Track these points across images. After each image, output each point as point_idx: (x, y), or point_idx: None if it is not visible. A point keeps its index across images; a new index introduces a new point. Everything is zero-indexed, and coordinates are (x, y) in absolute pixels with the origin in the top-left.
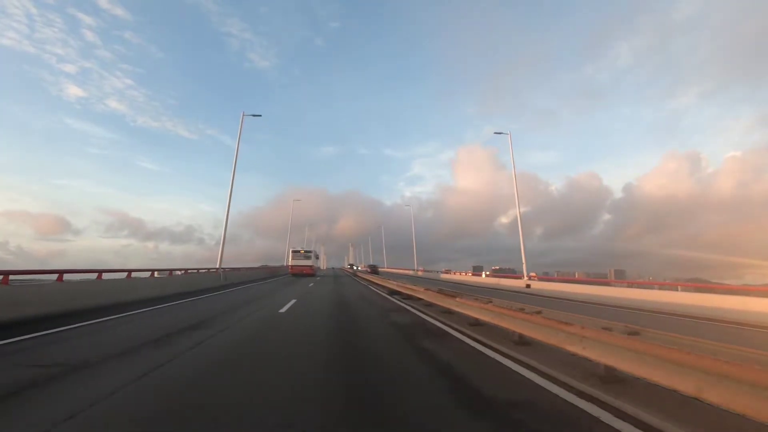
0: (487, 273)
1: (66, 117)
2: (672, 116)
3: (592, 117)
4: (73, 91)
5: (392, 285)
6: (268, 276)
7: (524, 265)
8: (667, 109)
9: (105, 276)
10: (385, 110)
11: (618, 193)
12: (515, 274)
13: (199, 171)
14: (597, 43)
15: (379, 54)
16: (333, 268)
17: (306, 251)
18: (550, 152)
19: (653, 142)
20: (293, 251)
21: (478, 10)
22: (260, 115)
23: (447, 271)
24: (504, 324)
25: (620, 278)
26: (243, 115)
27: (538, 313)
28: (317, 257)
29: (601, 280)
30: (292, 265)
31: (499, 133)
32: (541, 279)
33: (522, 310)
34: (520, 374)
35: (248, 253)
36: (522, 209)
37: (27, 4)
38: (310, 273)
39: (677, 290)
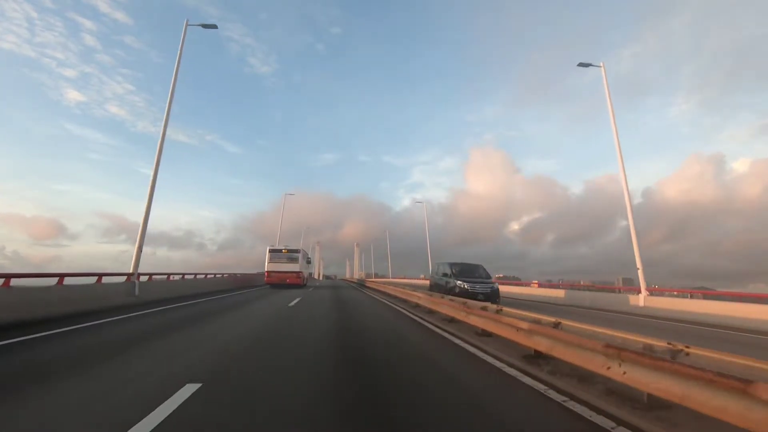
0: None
1: (65, 122)
2: (697, 117)
3: (598, 124)
4: (73, 95)
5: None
6: (231, 288)
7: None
8: (693, 110)
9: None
10: (385, 117)
11: (637, 198)
12: (520, 281)
13: (199, 176)
14: (602, 49)
15: (380, 60)
16: (330, 278)
17: (290, 250)
18: (561, 157)
19: (678, 144)
20: (271, 250)
21: (480, 18)
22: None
23: None
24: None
25: (628, 286)
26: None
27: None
28: (309, 261)
29: (608, 287)
30: (269, 271)
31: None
32: (542, 286)
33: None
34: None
35: (249, 258)
36: (535, 215)
37: (27, 7)
38: (295, 282)
39: (687, 297)
